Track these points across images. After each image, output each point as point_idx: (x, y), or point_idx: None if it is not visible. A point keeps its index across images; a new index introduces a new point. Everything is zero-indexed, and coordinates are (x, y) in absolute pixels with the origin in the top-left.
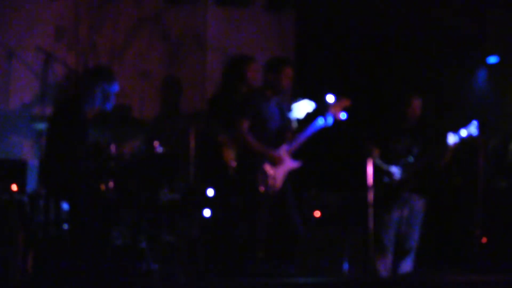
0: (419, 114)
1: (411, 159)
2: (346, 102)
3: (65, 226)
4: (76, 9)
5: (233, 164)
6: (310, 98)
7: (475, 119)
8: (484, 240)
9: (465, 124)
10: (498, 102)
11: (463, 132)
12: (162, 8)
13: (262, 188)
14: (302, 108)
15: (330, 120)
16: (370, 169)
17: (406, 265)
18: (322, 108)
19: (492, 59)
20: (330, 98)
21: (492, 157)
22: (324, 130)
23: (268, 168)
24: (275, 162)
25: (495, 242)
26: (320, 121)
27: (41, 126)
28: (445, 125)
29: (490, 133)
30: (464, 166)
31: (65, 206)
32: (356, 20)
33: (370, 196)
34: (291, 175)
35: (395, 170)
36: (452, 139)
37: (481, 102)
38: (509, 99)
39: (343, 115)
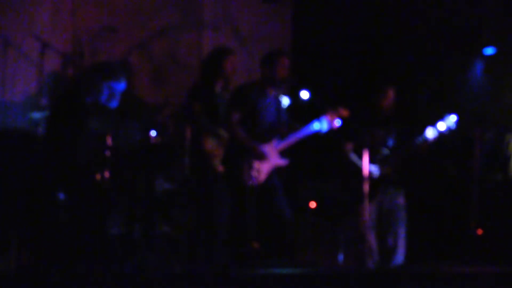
0: (393, 105)
1: (386, 152)
2: (343, 112)
3: (61, 216)
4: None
5: (214, 153)
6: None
7: (455, 113)
8: (479, 232)
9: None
10: (495, 94)
11: (441, 126)
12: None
13: (246, 180)
14: None
15: (324, 125)
16: (366, 160)
17: (397, 260)
18: (318, 112)
19: (489, 51)
20: (304, 95)
21: (488, 149)
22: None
23: (254, 161)
24: (259, 157)
25: (490, 234)
26: (315, 126)
27: (38, 115)
28: (438, 118)
29: (486, 125)
30: (460, 159)
31: (60, 195)
32: (353, 12)
33: (365, 187)
34: (280, 170)
35: (373, 169)
36: (430, 133)
37: (477, 94)
38: (506, 91)
39: (338, 122)
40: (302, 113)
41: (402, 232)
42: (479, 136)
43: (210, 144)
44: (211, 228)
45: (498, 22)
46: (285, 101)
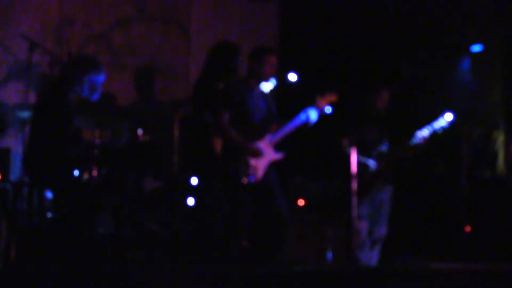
0: (387, 106)
1: (384, 149)
2: (333, 97)
3: (49, 215)
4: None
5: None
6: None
7: (450, 110)
8: (468, 229)
9: (442, 114)
10: (482, 91)
11: (437, 124)
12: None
13: (244, 179)
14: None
15: (314, 114)
16: (354, 158)
17: (374, 256)
18: (307, 101)
19: (476, 48)
20: (292, 77)
21: (476, 146)
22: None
23: (250, 159)
24: (254, 155)
25: (478, 231)
26: (305, 115)
27: (25, 114)
28: (425, 115)
29: (474, 122)
30: (448, 156)
31: (48, 194)
32: (340, 9)
33: (354, 184)
34: (275, 165)
35: (371, 162)
36: (420, 135)
37: (464, 91)
38: (493, 88)
39: (328, 109)
40: (290, 98)
41: (385, 227)
42: (467, 133)
43: (219, 145)
44: (206, 229)
45: (485, 19)
46: (271, 83)
